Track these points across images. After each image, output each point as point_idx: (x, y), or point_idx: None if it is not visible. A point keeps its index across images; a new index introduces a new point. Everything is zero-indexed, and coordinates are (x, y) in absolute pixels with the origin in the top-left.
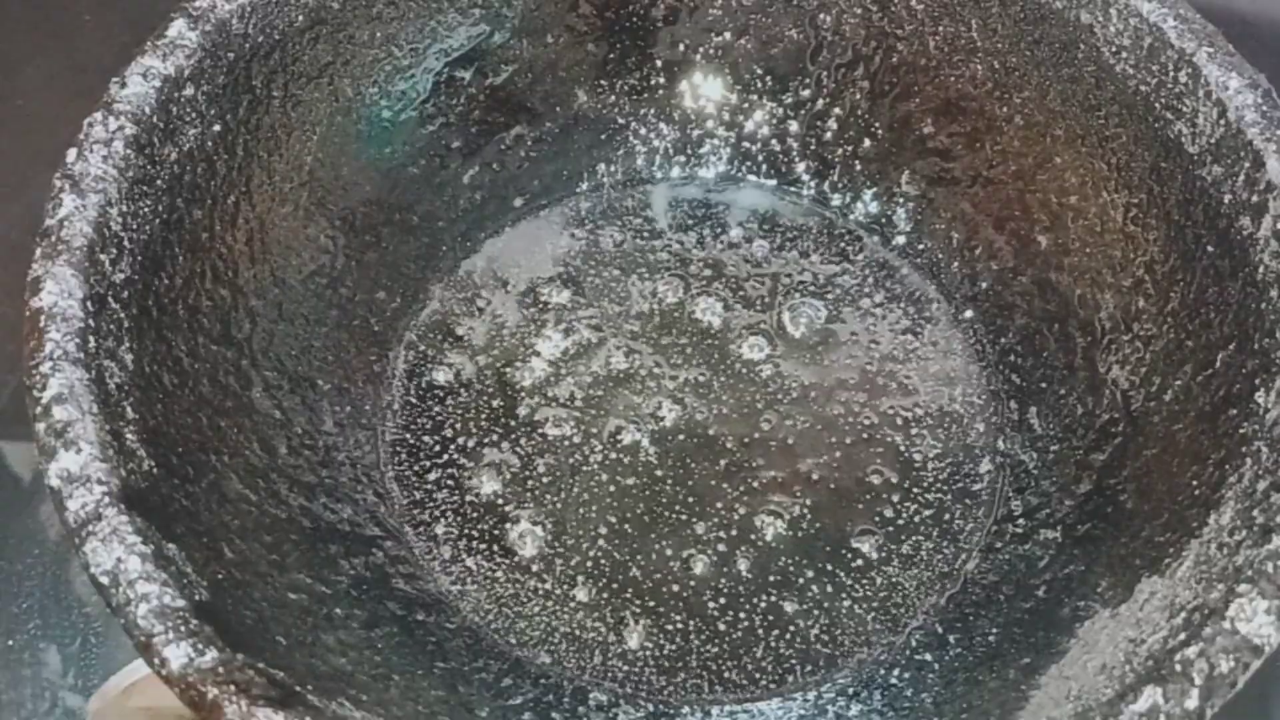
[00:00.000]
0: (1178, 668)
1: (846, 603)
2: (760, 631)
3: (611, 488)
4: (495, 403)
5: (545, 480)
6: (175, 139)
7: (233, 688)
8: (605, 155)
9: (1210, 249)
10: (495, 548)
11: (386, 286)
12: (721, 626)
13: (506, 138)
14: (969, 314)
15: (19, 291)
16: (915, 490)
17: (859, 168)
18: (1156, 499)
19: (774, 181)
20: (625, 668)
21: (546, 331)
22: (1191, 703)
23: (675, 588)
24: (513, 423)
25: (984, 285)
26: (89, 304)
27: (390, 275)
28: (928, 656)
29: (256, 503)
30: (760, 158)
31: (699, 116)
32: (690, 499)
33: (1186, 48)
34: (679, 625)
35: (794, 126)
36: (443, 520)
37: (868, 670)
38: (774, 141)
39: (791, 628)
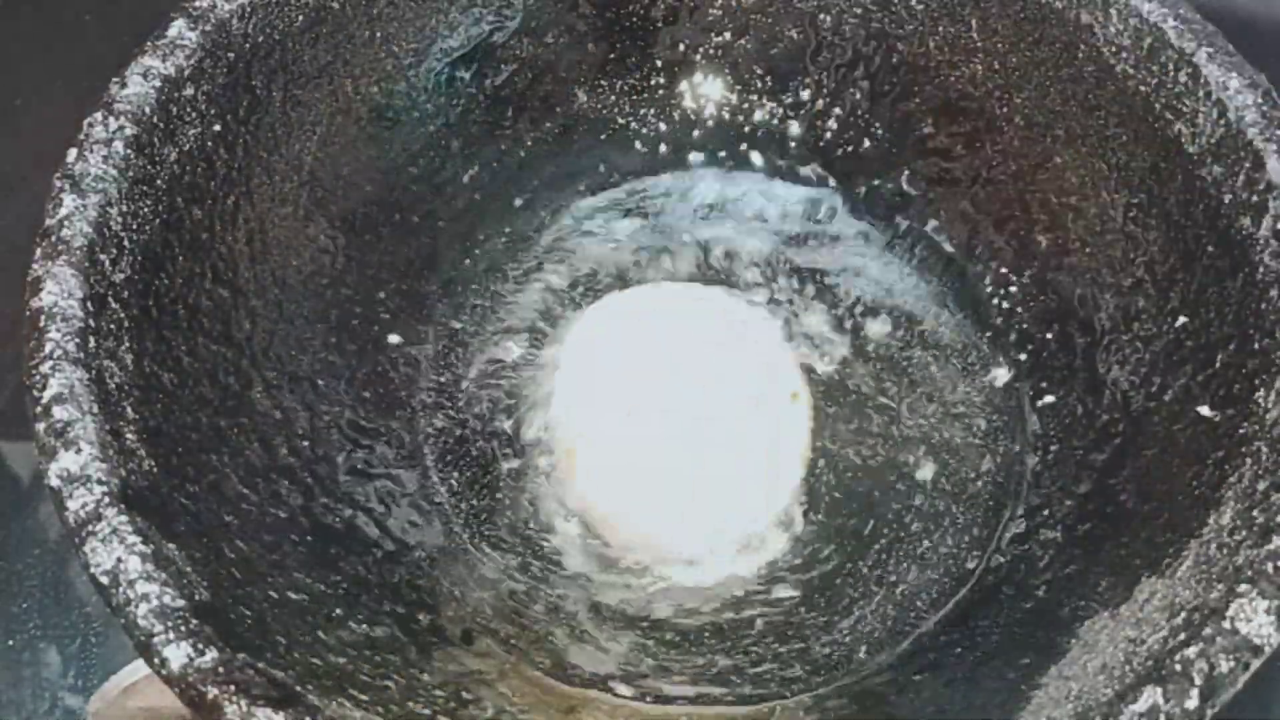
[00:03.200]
0: (1178, 668)
1: (847, 603)
2: (761, 631)
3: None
4: (496, 402)
5: (548, 480)
6: (175, 139)
7: (233, 688)
8: (605, 155)
9: (1210, 249)
10: (497, 547)
11: (386, 286)
12: (722, 625)
13: (506, 138)
14: (969, 315)
15: (19, 291)
16: (915, 490)
17: (859, 168)
18: (1156, 499)
19: (774, 181)
20: (626, 667)
21: (547, 332)
22: (1191, 703)
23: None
24: (515, 422)
25: (984, 285)
26: (89, 304)
27: (390, 275)
28: (928, 656)
29: (256, 503)
30: (760, 158)
31: (699, 116)
32: None
33: (1186, 48)
34: (680, 624)
35: (794, 126)
36: (443, 520)
37: (868, 670)
38: (774, 141)
39: (792, 628)
